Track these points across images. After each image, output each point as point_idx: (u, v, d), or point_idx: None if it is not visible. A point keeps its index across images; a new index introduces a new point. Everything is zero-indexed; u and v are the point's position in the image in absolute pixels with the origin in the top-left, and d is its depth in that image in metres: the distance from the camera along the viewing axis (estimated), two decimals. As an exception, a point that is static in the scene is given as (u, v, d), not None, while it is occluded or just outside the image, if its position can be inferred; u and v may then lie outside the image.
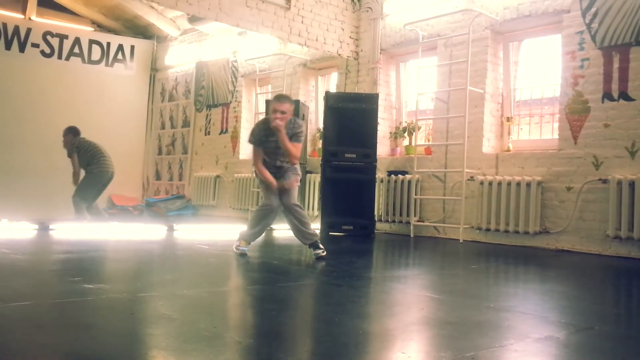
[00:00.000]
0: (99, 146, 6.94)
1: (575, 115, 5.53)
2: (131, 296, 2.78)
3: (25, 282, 3.10)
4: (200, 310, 2.59)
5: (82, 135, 7.00)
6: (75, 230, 5.91)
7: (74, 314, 2.38)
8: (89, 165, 6.85)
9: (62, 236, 5.45)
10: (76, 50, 10.08)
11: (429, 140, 7.06)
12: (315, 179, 7.72)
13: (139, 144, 10.92)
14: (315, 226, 6.81)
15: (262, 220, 4.37)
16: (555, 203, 5.61)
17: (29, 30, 9.62)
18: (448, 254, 5.38)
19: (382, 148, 7.33)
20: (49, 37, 9.82)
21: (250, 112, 9.40)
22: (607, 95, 5.31)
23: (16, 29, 9.52)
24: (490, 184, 5.98)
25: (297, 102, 7.36)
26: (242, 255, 4.29)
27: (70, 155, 6.83)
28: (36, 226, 5.78)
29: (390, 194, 6.96)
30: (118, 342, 1.99)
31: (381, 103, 7.15)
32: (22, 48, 9.58)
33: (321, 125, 7.37)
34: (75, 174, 6.80)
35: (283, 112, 4.14)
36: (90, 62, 10.22)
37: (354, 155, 6.55)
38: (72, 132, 6.99)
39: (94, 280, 3.23)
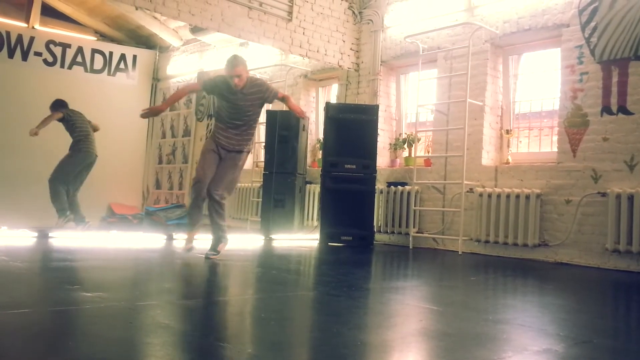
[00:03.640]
0: (87, 125, 6.92)
1: (574, 128, 5.55)
2: (129, 305, 2.77)
3: (24, 289, 3.10)
4: (198, 320, 2.59)
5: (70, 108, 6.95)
6: (75, 238, 5.91)
7: (72, 322, 2.38)
8: (75, 144, 6.78)
9: (61, 244, 5.44)
10: (79, 59, 10.13)
11: (428, 152, 7.09)
12: (315, 189, 7.73)
13: (140, 153, 10.94)
14: (315, 236, 6.83)
15: (193, 199, 4.40)
16: (554, 216, 5.62)
17: (32, 39, 9.68)
18: (447, 265, 5.38)
19: (382, 159, 7.35)
20: (51, 46, 9.87)
21: (250, 122, 9.42)
22: (606, 109, 5.34)
23: (19, 38, 9.58)
24: (489, 196, 5.99)
25: (297, 113, 7.40)
26: (189, 250, 4.34)
27: (54, 116, 6.72)
28: (35, 234, 5.78)
29: (389, 205, 6.97)
30: (116, 351, 1.98)
31: (381, 114, 7.18)
32: (25, 56, 9.63)
33: (321, 136, 7.39)
34: (44, 122, 6.61)
35: (239, 76, 4.27)
36: (93, 71, 10.27)
37: (354, 166, 6.56)
38: (61, 106, 6.95)
39: (93, 289, 3.23)
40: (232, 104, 4.34)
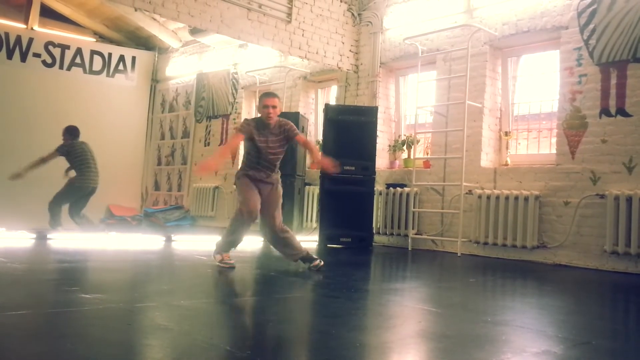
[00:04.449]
0: (89, 156, 6.96)
1: (573, 130, 5.56)
2: (128, 306, 2.77)
3: (22, 291, 3.09)
4: (197, 321, 2.59)
5: (80, 139, 7.02)
6: (73, 240, 5.91)
7: (70, 324, 2.37)
8: (74, 175, 6.89)
9: (60, 245, 5.44)
10: (77, 60, 10.13)
11: (427, 154, 7.09)
12: (314, 191, 7.73)
13: (139, 155, 10.93)
14: (314, 238, 6.83)
15: (236, 230, 4.27)
16: (553, 218, 5.62)
17: (31, 40, 9.67)
18: (446, 267, 5.38)
19: (381, 161, 7.35)
20: (50, 47, 9.87)
21: (249, 123, 9.42)
22: (605, 111, 5.34)
23: (18, 39, 9.58)
24: (488, 197, 5.99)
25: (296, 115, 7.41)
26: (230, 268, 4.19)
27: (55, 152, 6.84)
28: (34, 235, 5.77)
29: (388, 207, 6.97)
30: (114, 353, 1.98)
31: (380, 116, 7.19)
32: (23, 58, 9.62)
33: (321, 138, 7.39)
34: (38, 163, 6.74)
35: (274, 107, 4.25)
36: (92, 72, 10.27)
37: (353, 168, 6.56)
38: (68, 133, 7.04)
39: (91, 290, 3.23)
40: (264, 147, 4.27)
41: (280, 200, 4.41)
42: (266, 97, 4.31)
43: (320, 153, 4.48)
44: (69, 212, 6.91)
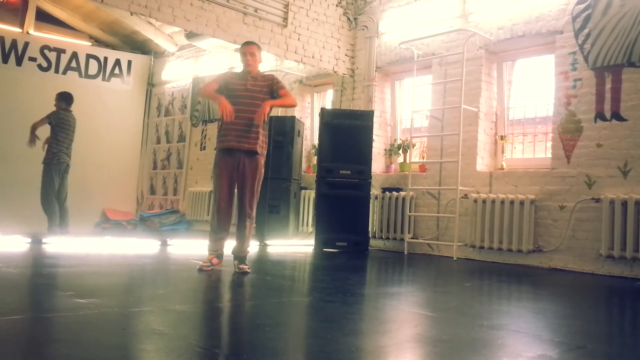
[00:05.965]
0: (73, 131, 7.03)
1: (568, 134, 5.58)
2: (123, 311, 2.76)
3: (17, 295, 3.08)
4: (193, 326, 2.58)
5: (71, 110, 7.08)
6: (68, 244, 5.88)
7: (65, 329, 2.36)
8: (49, 152, 6.87)
9: (55, 250, 5.41)
10: (73, 64, 10.11)
11: (423, 158, 7.10)
12: (310, 195, 7.72)
13: (134, 158, 10.91)
14: (310, 242, 6.82)
15: (216, 223, 4.33)
16: (549, 222, 5.64)
17: (26, 44, 9.65)
18: (442, 271, 5.38)
19: (377, 165, 7.36)
20: (46, 51, 9.85)
21: (245, 127, 9.42)
22: (600, 115, 5.37)
23: (14, 43, 9.55)
24: (484, 202, 6.00)
25: (292, 119, 7.42)
26: (200, 270, 4.20)
27: (43, 121, 6.88)
28: (29, 239, 5.74)
29: (384, 211, 6.97)
30: (110, 357, 1.97)
31: (376, 120, 7.20)
32: (19, 62, 9.60)
33: (316, 142, 7.39)
34: (33, 131, 6.81)
35: (252, 54, 4.29)
36: (87, 76, 10.24)
37: (349, 172, 6.57)
38: (63, 100, 7.08)
39: (86, 295, 3.21)
40: (241, 90, 4.19)
41: (258, 180, 4.31)
42: (244, 45, 4.38)
43: (278, 103, 4.29)
44: (56, 196, 6.83)
